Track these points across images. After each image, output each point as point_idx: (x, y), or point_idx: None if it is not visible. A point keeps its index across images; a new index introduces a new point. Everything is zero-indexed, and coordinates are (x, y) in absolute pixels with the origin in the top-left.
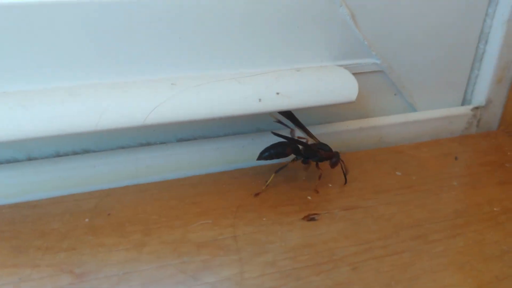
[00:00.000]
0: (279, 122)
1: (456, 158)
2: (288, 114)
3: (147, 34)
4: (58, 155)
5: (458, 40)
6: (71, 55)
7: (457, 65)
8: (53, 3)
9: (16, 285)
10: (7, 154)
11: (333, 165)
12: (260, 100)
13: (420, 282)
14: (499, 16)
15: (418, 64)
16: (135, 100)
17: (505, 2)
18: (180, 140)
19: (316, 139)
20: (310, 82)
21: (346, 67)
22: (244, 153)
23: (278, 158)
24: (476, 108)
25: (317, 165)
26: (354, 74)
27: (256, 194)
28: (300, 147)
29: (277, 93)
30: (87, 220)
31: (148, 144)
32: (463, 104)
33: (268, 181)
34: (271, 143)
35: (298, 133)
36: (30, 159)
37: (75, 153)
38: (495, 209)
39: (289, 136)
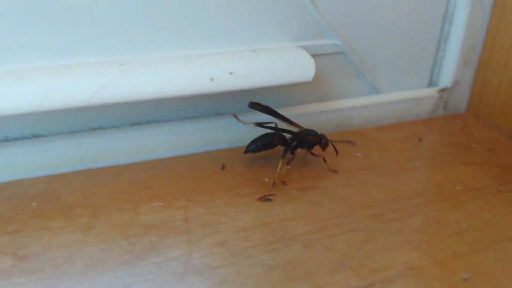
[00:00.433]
0: (258, 125)
1: (420, 140)
2: (267, 109)
3: (95, 16)
4: (6, 139)
5: (422, 20)
6: (16, 38)
7: (422, 46)
8: None
9: None
10: None
11: (324, 148)
12: (212, 79)
13: (373, 260)
14: None
15: (380, 45)
16: (80, 81)
17: None
18: (134, 124)
19: (301, 127)
20: (265, 62)
21: (305, 48)
22: (200, 137)
23: (265, 149)
24: (443, 90)
25: (311, 153)
26: (314, 55)
27: (273, 184)
28: (287, 136)
29: (230, 73)
30: (34, 204)
31: (100, 128)
32: (429, 86)
33: (283, 172)
34: (229, 126)
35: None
36: None
37: (24, 138)
38: (457, 188)
39: (275, 127)
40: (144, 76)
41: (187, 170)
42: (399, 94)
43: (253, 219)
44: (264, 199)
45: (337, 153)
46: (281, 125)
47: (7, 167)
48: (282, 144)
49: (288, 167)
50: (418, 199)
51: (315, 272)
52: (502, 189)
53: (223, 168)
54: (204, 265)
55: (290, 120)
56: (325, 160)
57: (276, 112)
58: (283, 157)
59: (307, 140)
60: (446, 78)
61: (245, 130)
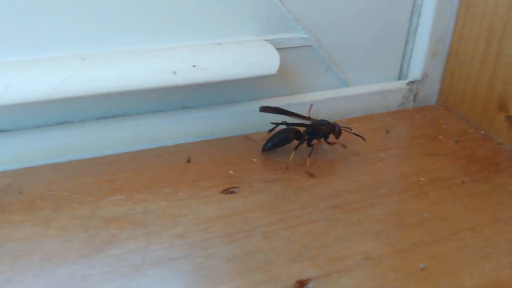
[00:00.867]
0: (271, 130)
1: (387, 132)
2: (277, 110)
3: (57, 10)
4: None
5: (390, 13)
6: None
7: (391, 39)
8: None
9: None
10: None
11: (337, 136)
12: (174, 72)
13: (331, 249)
14: None
15: (348, 38)
16: (42, 75)
17: None
18: (100, 118)
19: (313, 119)
20: (230, 55)
21: (272, 41)
22: (167, 130)
23: (282, 145)
24: (412, 82)
25: (327, 142)
26: (281, 49)
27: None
28: (301, 130)
29: (194, 66)
30: None
31: (66, 122)
32: (399, 79)
33: (307, 164)
34: (197, 120)
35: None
36: None
37: None
38: (421, 179)
39: (277, 108)
40: (105, 69)
41: (152, 164)
42: (368, 87)
43: (215, 211)
44: (228, 191)
45: (364, 139)
46: (291, 120)
47: None
48: (297, 138)
49: (309, 159)
50: (381, 190)
51: (273, 262)
52: (466, 180)
53: (188, 161)
54: (162, 257)
55: (301, 115)
56: (344, 145)
57: (287, 111)
58: (295, 148)
59: (321, 130)
60: (415, 70)
61: (213, 123)
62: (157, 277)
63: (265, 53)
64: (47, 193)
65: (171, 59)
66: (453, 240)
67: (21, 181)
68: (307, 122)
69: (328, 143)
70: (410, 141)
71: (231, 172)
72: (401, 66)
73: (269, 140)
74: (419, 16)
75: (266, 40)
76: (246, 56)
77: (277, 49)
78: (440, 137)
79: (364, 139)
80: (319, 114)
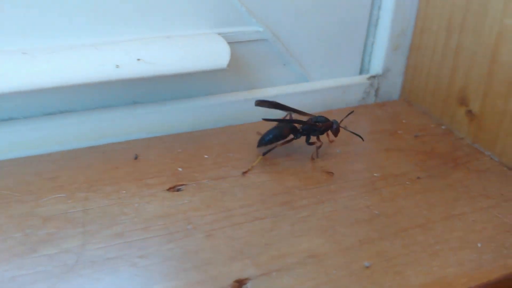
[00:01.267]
0: (267, 120)
1: (345, 128)
2: (273, 104)
3: None
4: None
5: (350, 5)
6: None
7: (351, 32)
8: None
9: None
10: None
11: (335, 133)
12: (117, 66)
13: (275, 247)
14: None
15: (307, 32)
16: None
17: None
18: (47, 114)
19: (311, 115)
20: (177, 49)
21: (225, 35)
22: (115, 126)
23: (278, 141)
24: (373, 77)
25: (318, 138)
26: (235, 42)
27: (244, 173)
28: (298, 126)
29: (138, 60)
30: None
31: (10, 119)
32: (361, 73)
33: (255, 163)
34: (147, 116)
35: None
36: None
37: None
38: (375, 175)
39: (281, 119)
40: (46, 64)
41: (97, 161)
42: (328, 81)
43: (157, 210)
44: (174, 189)
45: (363, 139)
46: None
47: None
48: (293, 133)
49: (314, 158)
50: (332, 186)
51: (213, 261)
52: (422, 176)
53: (136, 158)
54: (97, 256)
55: (299, 111)
56: (319, 147)
57: (284, 105)
58: (264, 154)
59: (317, 127)
60: (377, 65)
61: (164, 119)
62: (90, 277)
63: (215, 47)
64: None
65: (115, 52)
66: (402, 237)
67: None
68: (304, 118)
69: (318, 140)
70: (367, 136)
71: (180, 169)
72: (363, 60)
73: (264, 136)
74: (379, 8)
75: (219, 34)
76: (195, 49)
77: (232, 43)
78: (399, 132)
79: (362, 139)
80: (277, 110)
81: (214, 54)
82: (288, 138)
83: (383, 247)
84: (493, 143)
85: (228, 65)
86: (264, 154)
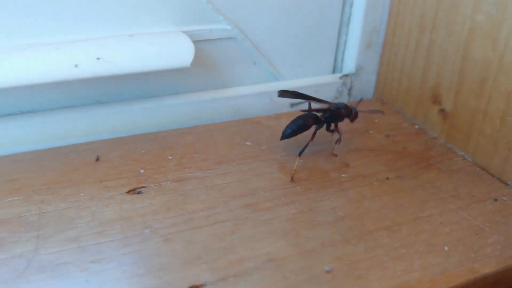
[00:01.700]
0: (292, 105)
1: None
2: (294, 94)
3: None
4: None
5: (321, 3)
6: None
7: (323, 30)
8: None
9: None
10: None
11: (353, 119)
12: (76, 65)
13: (234, 251)
14: None
15: (277, 30)
16: None
17: None
18: (8, 115)
19: (330, 102)
20: (139, 48)
21: (191, 33)
22: (77, 127)
23: (301, 132)
24: (346, 75)
25: (336, 126)
26: (202, 41)
27: (292, 180)
28: (319, 114)
29: (98, 59)
30: None
31: None
32: (334, 72)
33: (295, 166)
34: (110, 116)
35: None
36: None
37: None
38: (343, 175)
39: (299, 92)
40: (4, 63)
41: (57, 163)
42: (299, 81)
43: (115, 213)
44: (135, 191)
45: (383, 113)
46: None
47: None
48: (316, 123)
49: (337, 145)
50: (298, 187)
51: (168, 266)
52: (391, 176)
53: (97, 160)
54: (49, 261)
55: (318, 99)
56: (337, 142)
57: (304, 94)
58: (299, 155)
59: (340, 113)
60: (349, 63)
61: (128, 119)
62: (40, 283)
63: (179, 45)
64: None
65: (74, 51)
66: (366, 240)
67: None
68: (325, 106)
69: (336, 126)
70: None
71: (142, 171)
72: (335, 59)
73: (288, 127)
74: (351, 5)
75: (185, 32)
76: (157, 48)
77: (198, 41)
78: (370, 132)
79: (383, 113)
80: (247, 109)
81: (177, 52)
82: (313, 130)
83: (345, 250)
84: (466, 142)
85: (192, 64)
86: (299, 154)
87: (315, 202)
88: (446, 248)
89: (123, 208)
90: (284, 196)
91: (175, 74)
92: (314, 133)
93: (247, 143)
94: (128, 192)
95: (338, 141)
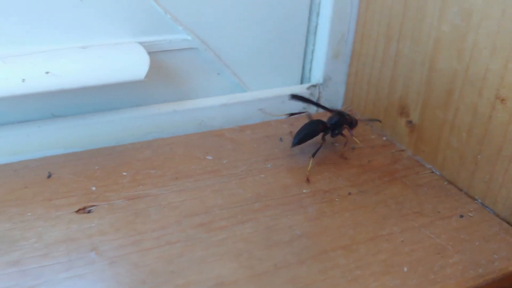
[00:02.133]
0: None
1: (280, 140)
2: (303, 99)
3: None
4: None
5: (286, 11)
6: None
7: (290, 39)
8: None
9: None
10: None
11: (353, 126)
12: (23, 80)
13: (181, 275)
14: None
15: (241, 40)
16: None
17: None
18: None
19: (331, 110)
20: (91, 60)
21: (150, 44)
22: (30, 142)
23: (311, 138)
24: (314, 86)
25: (341, 132)
26: (161, 51)
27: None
28: (326, 121)
29: (47, 72)
30: None
31: None
32: (302, 82)
33: (309, 167)
34: (65, 130)
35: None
36: None
37: None
38: (304, 191)
39: (305, 97)
40: None
41: (6, 180)
42: (265, 91)
43: (62, 234)
44: (84, 210)
45: (380, 122)
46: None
47: None
48: (324, 130)
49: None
50: (256, 204)
51: None
52: (353, 191)
53: (49, 176)
54: None
55: (324, 106)
56: (345, 144)
57: (314, 102)
58: (313, 156)
59: (346, 120)
60: (317, 73)
61: (84, 133)
62: None
63: (133, 57)
64: None
65: (22, 65)
66: (321, 260)
67: None
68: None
69: (341, 134)
70: (301, 149)
71: (93, 189)
72: (303, 69)
73: (297, 134)
74: (318, 15)
75: (143, 42)
76: (110, 60)
77: (158, 51)
78: (336, 144)
79: (379, 121)
80: (210, 121)
81: (131, 65)
82: (320, 136)
83: (299, 272)
84: (434, 155)
85: (147, 76)
86: (313, 155)
87: (272, 220)
88: (405, 269)
89: (71, 229)
90: (240, 214)
91: (134, 86)
92: (323, 137)
93: (208, 157)
94: (78, 211)
95: (345, 144)
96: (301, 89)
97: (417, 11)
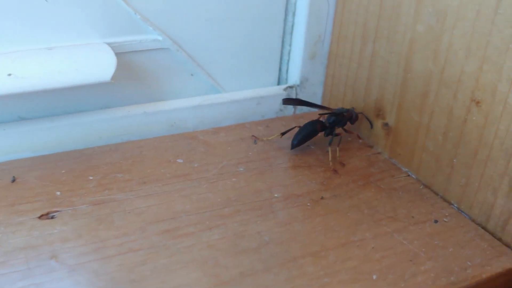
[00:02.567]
0: (283, 133)
1: (255, 142)
2: (298, 102)
3: None
4: None
5: (262, 11)
6: None
7: (266, 40)
8: None
9: None
10: None
11: (354, 121)
12: None
13: (144, 284)
14: None
15: (214, 40)
16: None
17: None
18: None
19: (331, 108)
20: (55, 62)
21: (120, 45)
22: None
23: (310, 138)
24: (291, 87)
25: (345, 130)
26: (132, 52)
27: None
28: (323, 120)
29: (9, 75)
30: None
31: None
32: (279, 83)
33: (338, 155)
34: (32, 133)
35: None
36: None
37: None
38: (275, 195)
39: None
40: None
41: None
42: (241, 93)
43: (22, 241)
44: (48, 216)
45: (372, 126)
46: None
47: None
48: (323, 129)
49: (338, 147)
50: (226, 209)
51: None
52: (326, 195)
53: (13, 180)
54: None
55: (321, 105)
56: (359, 137)
57: (308, 102)
58: (331, 141)
59: (343, 118)
60: (294, 74)
61: (52, 136)
62: None
63: (99, 59)
64: None
65: None
66: (289, 268)
67: None
68: (327, 111)
69: (346, 131)
70: (275, 152)
71: (58, 193)
72: (280, 70)
73: (297, 135)
74: (294, 15)
75: (112, 43)
76: (75, 62)
77: (128, 52)
78: (312, 147)
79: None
80: (183, 123)
81: (97, 66)
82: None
83: (265, 280)
84: (409, 158)
85: (113, 78)
86: (338, 144)
87: (241, 226)
88: (374, 277)
89: (32, 235)
90: (209, 220)
91: (104, 88)
92: (328, 134)
93: (178, 160)
94: (40, 217)
95: (339, 141)
96: (277, 90)
97: (392, 10)
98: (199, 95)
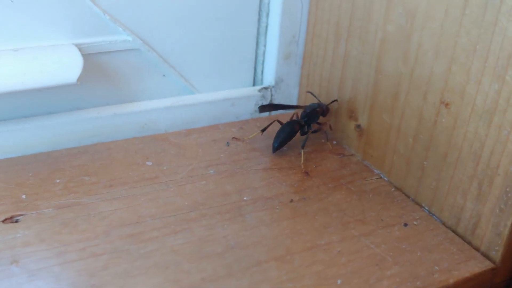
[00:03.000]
0: (263, 130)
1: (227, 144)
2: (274, 106)
3: None
4: None
5: (235, 11)
6: None
7: (240, 41)
8: None
9: None
10: None
11: (326, 113)
12: None
13: None
14: None
15: (187, 40)
16: None
17: None
18: None
19: (302, 106)
20: (20, 63)
21: (88, 45)
22: None
23: (290, 139)
24: (265, 88)
25: (319, 123)
26: (102, 53)
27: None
28: (300, 119)
29: None
30: None
31: None
32: (255, 84)
33: (302, 160)
34: (3, 134)
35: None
36: None
37: None
38: (244, 198)
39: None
40: None
41: None
42: (214, 94)
43: None
44: (12, 220)
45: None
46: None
47: None
48: (300, 128)
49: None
50: (192, 213)
51: None
52: (295, 198)
53: None
54: None
55: (294, 105)
56: (331, 127)
57: (282, 105)
58: (304, 144)
59: (317, 112)
60: (269, 75)
61: (19, 138)
62: None
63: (65, 60)
64: None
65: None
66: (252, 273)
67: None
68: (300, 110)
69: (319, 123)
70: (247, 154)
71: (23, 197)
72: (255, 71)
73: (276, 138)
74: (267, 15)
75: (81, 44)
76: (41, 63)
77: (97, 53)
78: (285, 148)
79: (337, 100)
80: (155, 125)
81: (62, 68)
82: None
83: (227, 285)
84: (381, 160)
85: (80, 79)
86: (302, 147)
87: (207, 230)
88: (338, 282)
89: None
90: (174, 224)
91: (73, 89)
92: (303, 133)
93: (148, 162)
94: (4, 220)
95: (326, 132)
96: (252, 92)
97: (364, 9)
98: (171, 96)
